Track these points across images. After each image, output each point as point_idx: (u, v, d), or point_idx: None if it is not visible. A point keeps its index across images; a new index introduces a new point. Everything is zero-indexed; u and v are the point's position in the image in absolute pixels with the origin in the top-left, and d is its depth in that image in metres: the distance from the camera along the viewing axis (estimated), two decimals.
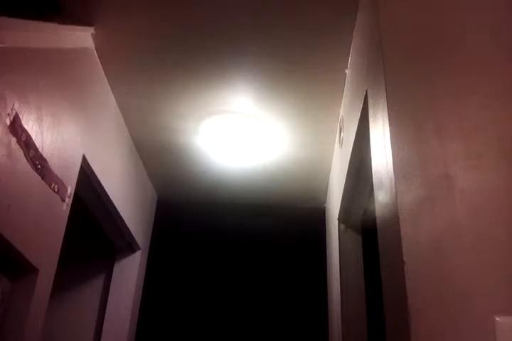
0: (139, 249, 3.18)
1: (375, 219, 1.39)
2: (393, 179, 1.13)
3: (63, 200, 1.88)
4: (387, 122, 1.21)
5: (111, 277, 3.11)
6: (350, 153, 2.00)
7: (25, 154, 1.53)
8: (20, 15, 1.55)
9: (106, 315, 3.00)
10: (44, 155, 1.67)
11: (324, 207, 3.43)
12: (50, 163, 1.72)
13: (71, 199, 1.96)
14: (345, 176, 2.18)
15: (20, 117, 1.49)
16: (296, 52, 2.10)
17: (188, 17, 1.95)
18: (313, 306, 3.21)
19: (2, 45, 1.41)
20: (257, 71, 2.22)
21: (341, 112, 2.40)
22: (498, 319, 0.93)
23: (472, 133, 1.14)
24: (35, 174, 1.62)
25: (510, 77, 1.20)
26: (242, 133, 2.67)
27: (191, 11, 1.91)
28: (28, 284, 1.67)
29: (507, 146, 1.11)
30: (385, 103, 1.24)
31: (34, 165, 1.60)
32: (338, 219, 2.54)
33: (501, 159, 1.10)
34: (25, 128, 1.52)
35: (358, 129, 1.79)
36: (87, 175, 2.18)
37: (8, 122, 1.42)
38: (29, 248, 1.61)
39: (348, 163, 2.07)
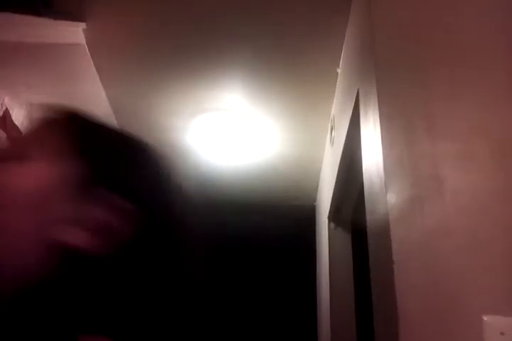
0: None
1: (365, 218, 1.39)
2: (383, 178, 1.13)
3: None
4: (378, 121, 1.21)
5: None
6: (341, 152, 2.00)
7: None
8: (11, 10, 1.54)
9: None
10: None
11: (315, 205, 3.43)
12: None
13: None
14: (335, 175, 2.18)
15: (11, 112, 1.47)
16: (288, 50, 2.09)
17: (180, 14, 1.94)
18: (303, 304, 3.21)
19: None
20: (249, 68, 2.22)
21: (333, 111, 2.40)
22: (485, 318, 0.94)
23: (463, 133, 1.14)
24: None
25: (503, 77, 1.21)
26: (233, 131, 2.66)
27: (183, 7, 1.91)
28: None
29: (498, 147, 1.11)
30: (376, 102, 1.24)
31: None
32: (328, 217, 2.54)
33: (492, 160, 1.10)
34: (15, 123, 1.51)
35: (349, 128, 1.79)
36: None
37: None
38: None
39: (338, 161, 2.07)
